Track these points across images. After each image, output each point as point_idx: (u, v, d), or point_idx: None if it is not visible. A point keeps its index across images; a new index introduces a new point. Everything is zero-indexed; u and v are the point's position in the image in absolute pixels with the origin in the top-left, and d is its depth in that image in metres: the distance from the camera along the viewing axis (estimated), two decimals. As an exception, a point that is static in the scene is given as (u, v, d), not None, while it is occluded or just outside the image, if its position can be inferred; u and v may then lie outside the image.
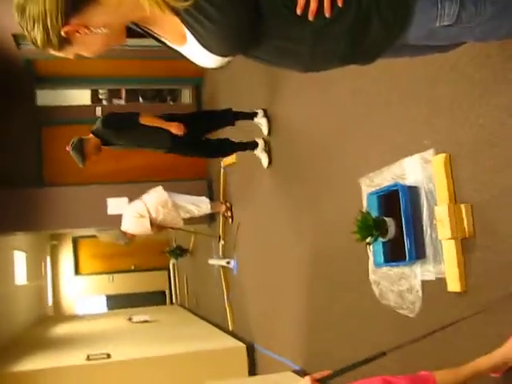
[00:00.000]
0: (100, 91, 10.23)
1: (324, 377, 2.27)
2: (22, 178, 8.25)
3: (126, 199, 7.26)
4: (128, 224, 6.49)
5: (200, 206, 7.03)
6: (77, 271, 16.81)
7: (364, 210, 3.25)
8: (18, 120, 8.46)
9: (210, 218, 8.41)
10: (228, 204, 7.45)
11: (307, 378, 2.23)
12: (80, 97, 9.89)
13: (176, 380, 6.11)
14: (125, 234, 6.54)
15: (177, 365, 6.53)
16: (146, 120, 5.11)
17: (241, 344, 6.94)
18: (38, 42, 1.34)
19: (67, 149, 5.15)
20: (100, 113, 8.66)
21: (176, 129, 5.09)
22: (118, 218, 6.71)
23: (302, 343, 5.10)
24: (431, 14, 1.41)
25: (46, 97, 9.05)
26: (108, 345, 7.59)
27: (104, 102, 10.19)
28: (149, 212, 6.49)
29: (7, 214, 7.67)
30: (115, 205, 7.66)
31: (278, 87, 5.46)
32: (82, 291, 16.81)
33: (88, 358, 6.69)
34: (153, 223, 6.54)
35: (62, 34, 1.32)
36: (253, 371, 6.70)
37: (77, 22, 1.32)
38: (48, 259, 15.91)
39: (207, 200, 7.20)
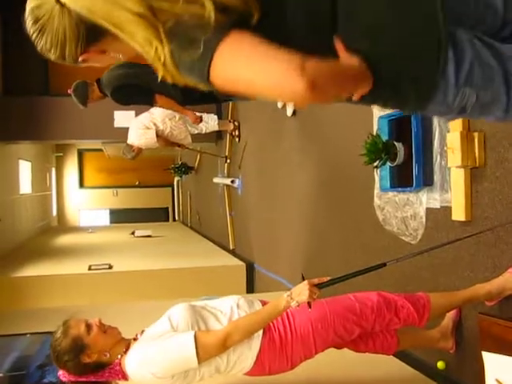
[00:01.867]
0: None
1: (322, 282, 2.31)
2: (27, 86, 8.15)
3: (133, 112, 7.17)
4: (134, 137, 6.43)
5: (208, 122, 6.97)
6: (81, 184, 16.93)
7: (374, 134, 3.20)
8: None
9: (218, 136, 8.37)
10: (236, 123, 7.39)
11: (305, 282, 2.27)
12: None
13: (175, 293, 6.24)
14: (131, 147, 6.48)
15: (176, 279, 6.68)
16: (161, 103, 4.90)
17: (240, 263, 7.07)
18: (51, 57, 1.34)
19: (69, 91, 4.93)
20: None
21: (193, 118, 5.06)
22: (124, 132, 6.65)
23: (301, 265, 5.18)
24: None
25: None
26: (110, 257, 7.74)
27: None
28: (155, 124, 6.40)
29: (12, 122, 7.63)
30: (122, 118, 7.57)
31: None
32: (86, 204, 17.01)
33: (90, 268, 6.84)
34: (159, 135, 6.45)
35: (79, 59, 1.34)
36: (251, 289, 6.85)
37: (95, 49, 1.33)
38: (53, 170, 16.01)
39: (215, 117, 7.13)
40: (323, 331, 2.54)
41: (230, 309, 2.55)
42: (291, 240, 5.47)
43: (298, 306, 2.31)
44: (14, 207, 9.96)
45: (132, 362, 2.37)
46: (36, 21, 1.26)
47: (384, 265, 2.43)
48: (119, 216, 16.76)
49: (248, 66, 1.19)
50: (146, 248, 9.28)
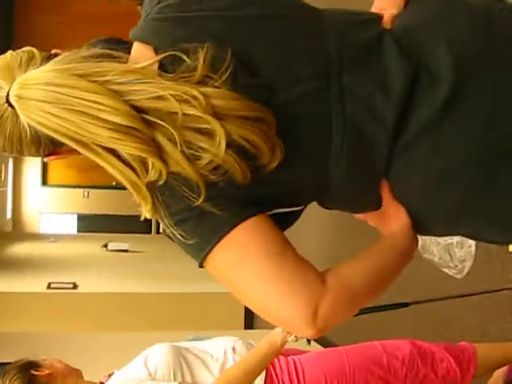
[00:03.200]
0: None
1: None
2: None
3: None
4: None
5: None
6: (44, 181, 16.94)
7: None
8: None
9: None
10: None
11: None
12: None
13: (153, 324, 6.23)
14: None
15: (156, 306, 6.67)
16: None
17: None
18: None
19: None
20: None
21: None
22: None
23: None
24: None
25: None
26: (75, 273, 7.73)
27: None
28: None
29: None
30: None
31: None
32: (49, 206, 17.02)
33: (49, 286, 6.83)
34: None
35: (45, 159, 1.31)
36: (250, 323, 6.83)
37: (64, 150, 1.27)
38: (10, 162, 16.03)
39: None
40: None
41: (223, 353, 2.51)
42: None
43: (297, 340, 2.28)
44: (-41, 205, 9.98)
45: None
46: None
47: (407, 304, 2.41)
48: (90, 223, 16.75)
49: (248, 285, 1.18)
50: (121, 265, 9.27)
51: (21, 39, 8.32)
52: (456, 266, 3.19)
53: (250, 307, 1.22)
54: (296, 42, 1.24)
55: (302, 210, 1.36)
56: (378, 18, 1.31)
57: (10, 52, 1.23)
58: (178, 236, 1.17)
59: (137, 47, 1.24)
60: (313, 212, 1.50)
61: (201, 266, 1.20)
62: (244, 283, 1.18)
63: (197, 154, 1.10)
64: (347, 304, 1.17)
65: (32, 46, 1.27)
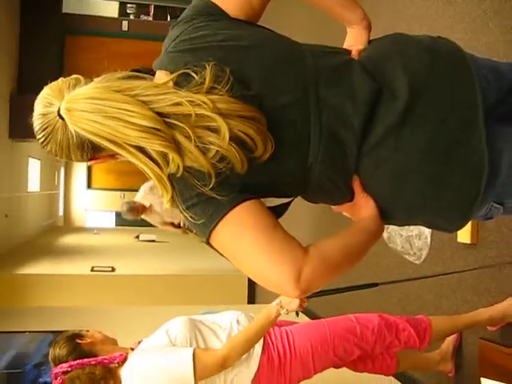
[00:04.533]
0: (128, 5, 10.01)
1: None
2: (41, 85, 8.18)
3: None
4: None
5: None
6: (89, 185, 16.96)
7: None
8: (43, 26, 8.33)
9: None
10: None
11: None
12: (107, 8, 9.68)
13: (175, 299, 6.22)
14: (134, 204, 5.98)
15: (177, 285, 6.65)
16: None
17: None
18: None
19: None
20: (126, 27, 8.50)
21: None
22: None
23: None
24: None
25: (73, 4, 8.87)
26: (113, 259, 7.72)
27: (131, 17, 9.98)
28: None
29: (24, 121, 7.63)
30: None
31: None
32: (93, 205, 17.03)
33: (92, 269, 6.82)
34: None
35: (88, 163, 1.34)
36: (252, 299, 6.83)
37: (103, 155, 1.28)
38: (62, 170, 16.04)
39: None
40: (323, 352, 2.50)
41: (229, 325, 2.51)
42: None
43: (287, 313, 2.33)
44: (21, 204, 9.98)
45: (127, 375, 2.34)
46: (41, 129, 1.26)
47: (376, 285, 2.41)
48: (125, 219, 16.75)
49: (245, 254, 1.19)
50: (150, 252, 9.26)
51: (70, 72, 8.33)
52: (415, 253, 3.18)
53: (247, 273, 1.23)
54: (279, 63, 1.28)
55: (290, 202, 1.36)
56: (348, 51, 1.36)
57: (61, 78, 1.31)
58: (189, 218, 1.19)
59: (158, 74, 1.29)
60: (297, 207, 1.50)
61: (208, 241, 1.22)
62: (242, 253, 1.19)
63: (206, 146, 1.14)
64: (325, 271, 1.18)
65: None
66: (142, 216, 6.00)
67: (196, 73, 1.18)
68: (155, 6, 9.64)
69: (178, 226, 6.04)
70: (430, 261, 3.05)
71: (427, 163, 1.24)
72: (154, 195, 5.85)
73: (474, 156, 1.25)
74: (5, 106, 7.95)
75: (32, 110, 1.35)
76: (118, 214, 17.19)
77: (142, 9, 9.91)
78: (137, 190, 6.71)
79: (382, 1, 3.96)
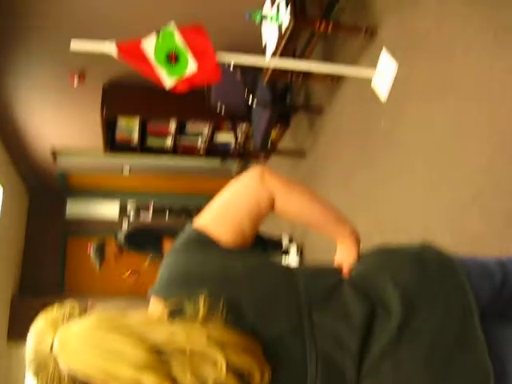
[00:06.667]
0: (128, 206, 10.41)
1: None
2: (45, 285, 8.33)
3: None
4: None
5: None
6: None
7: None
8: (46, 230, 8.72)
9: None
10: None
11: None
12: (108, 208, 10.07)
13: None
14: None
15: None
16: (168, 247, 5.10)
17: None
18: None
19: (88, 251, 5.23)
20: (126, 226, 8.81)
21: None
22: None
23: None
24: None
25: (75, 208, 9.27)
26: None
27: (131, 219, 10.34)
28: None
29: (28, 322, 7.56)
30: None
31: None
32: None
33: None
34: None
35: None
36: None
37: None
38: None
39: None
40: None
41: None
42: None
43: None
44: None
45: None
46: (31, 362, 1.25)
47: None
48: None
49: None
50: None
51: (71, 274, 8.45)
52: None
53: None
54: (272, 292, 1.30)
55: None
56: (339, 270, 1.41)
57: (56, 306, 1.31)
58: None
59: (153, 301, 1.32)
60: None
61: None
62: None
63: (203, 378, 1.12)
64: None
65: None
66: None
67: (190, 304, 1.19)
68: (154, 205, 10.01)
69: None
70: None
71: (428, 377, 1.22)
72: None
73: (477, 367, 1.23)
74: (5, 309, 7.94)
75: (32, 314, 1.36)
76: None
77: (142, 207, 10.27)
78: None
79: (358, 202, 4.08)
